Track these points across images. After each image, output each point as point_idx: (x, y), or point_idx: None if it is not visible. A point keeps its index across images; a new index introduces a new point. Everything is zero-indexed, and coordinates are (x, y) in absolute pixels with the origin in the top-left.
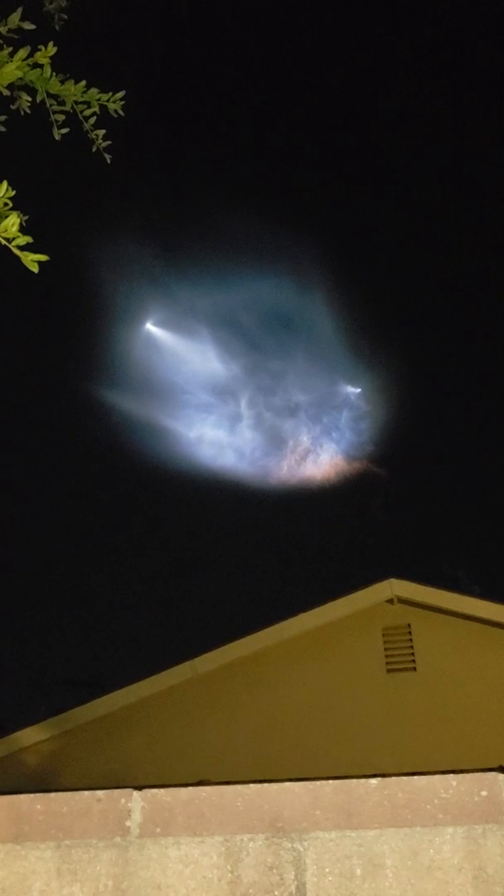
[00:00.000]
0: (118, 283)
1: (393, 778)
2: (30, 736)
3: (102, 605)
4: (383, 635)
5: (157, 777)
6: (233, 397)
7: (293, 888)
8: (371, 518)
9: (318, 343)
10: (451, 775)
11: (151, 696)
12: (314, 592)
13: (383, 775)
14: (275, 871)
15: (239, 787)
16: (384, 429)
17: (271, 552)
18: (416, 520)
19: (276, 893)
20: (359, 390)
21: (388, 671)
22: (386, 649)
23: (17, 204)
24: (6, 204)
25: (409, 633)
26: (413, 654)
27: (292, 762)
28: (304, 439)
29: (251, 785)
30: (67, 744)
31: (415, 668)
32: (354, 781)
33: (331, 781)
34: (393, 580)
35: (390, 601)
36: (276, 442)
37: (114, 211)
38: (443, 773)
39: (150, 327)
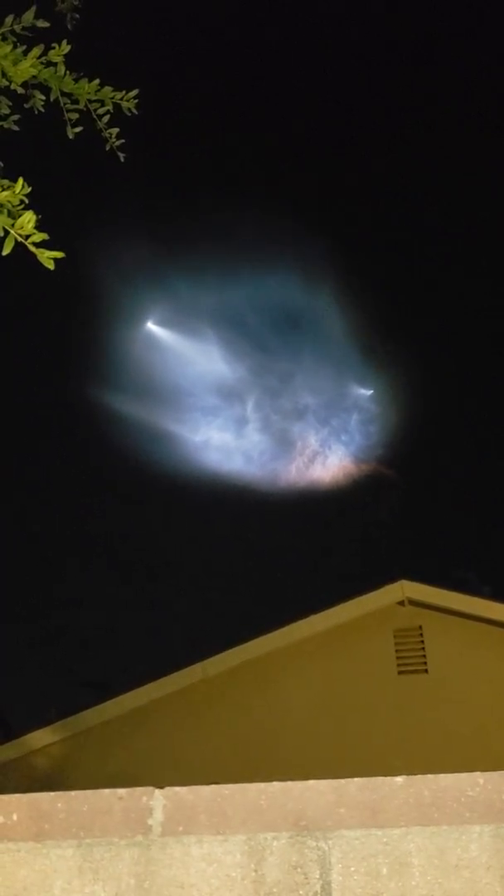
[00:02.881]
0: (117, 279)
1: (419, 776)
2: (40, 738)
3: (112, 607)
4: (395, 637)
5: (168, 779)
6: (239, 400)
7: (318, 887)
8: (381, 520)
9: (328, 343)
10: (478, 773)
11: (162, 699)
12: (325, 595)
13: (408, 774)
14: (299, 869)
15: (262, 785)
16: (394, 430)
17: (281, 555)
18: (427, 522)
19: (300, 892)
20: (370, 392)
21: (400, 673)
22: (397, 651)
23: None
24: (22, 201)
25: (421, 634)
26: (425, 655)
27: (304, 764)
28: (313, 442)
29: (274, 783)
30: (78, 746)
31: (426, 670)
32: (380, 779)
33: (356, 779)
34: (404, 582)
35: (401, 603)
36: (284, 445)
37: (113, 205)
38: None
39: (152, 326)
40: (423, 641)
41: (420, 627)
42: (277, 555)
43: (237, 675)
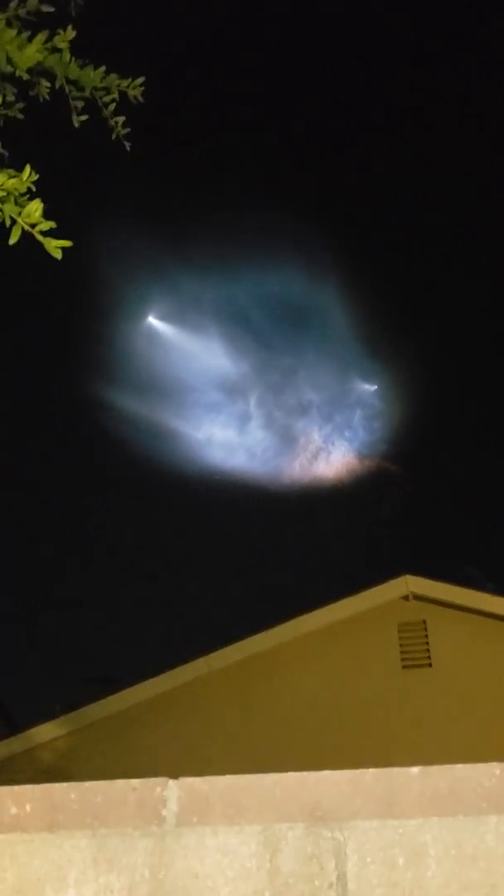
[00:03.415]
0: (118, 272)
1: (435, 767)
2: (46, 732)
3: (116, 603)
4: (399, 631)
5: (173, 773)
6: (242, 396)
7: (333, 878)
8: (386, 515)
9: (331, 339)
10: (495, 764)
11: (167, 693)
12: (329, 589)
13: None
14: (315, 860)
15: (277, 775)
16: (399, 426)
17: (285, 550)
18: (431, 517)
19: (316, 883)
20: (374, 387)
21: (404, 667)
22: (401, 645)
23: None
24: (29, 189)
25: (425, 629)
26: (428, 650)
27: (308, 758)
28: (317, 438)
29: (290, 774)
30: (83, 740)
31: (430, 665)
32: (395, 770)
33: (371, 770)
34: (408, 577)
35: (405, 598)
36: (287, 441)
37: (115, 197)
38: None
39: (153, 321)
40: (426, 636)
41: (424, 622)
42: (282, 550)
43: (241, 669)
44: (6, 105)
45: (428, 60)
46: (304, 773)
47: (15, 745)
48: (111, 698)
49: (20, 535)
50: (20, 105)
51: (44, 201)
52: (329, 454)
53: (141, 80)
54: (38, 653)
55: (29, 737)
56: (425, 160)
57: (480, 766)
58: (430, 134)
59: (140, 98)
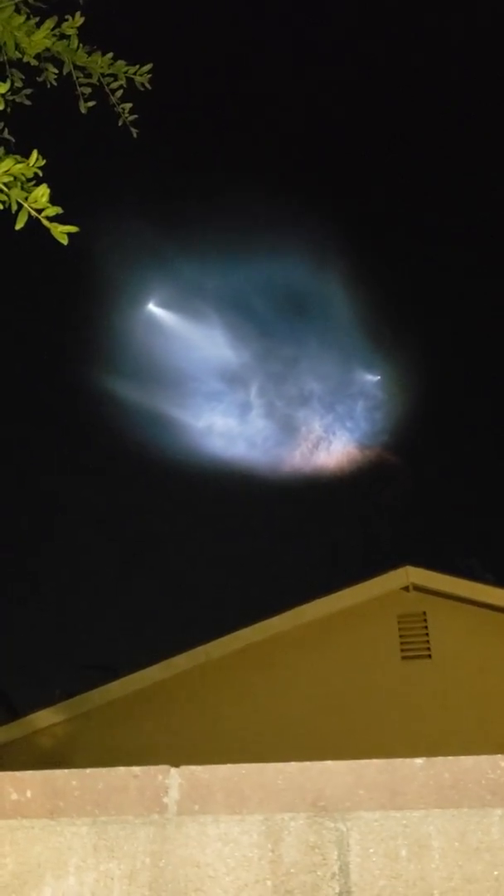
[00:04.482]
0: (118, 258)
1: (439, 758)
2: (45, 718)
3: (116, 590)
4: (398, 622)
5: (170, 760)
6: (243, 385)
7: (336, 868)
8: (386, 506)
9: (334, 328)
10: (500, 756)
11: (165, 681)
12: (329, 579)
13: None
14: (317, 850)
15: (279, 765)
16: (400, 416)
17: (286, 540)
18: (432, 508)
19: (318, 873)
20: (377, 378)
21: (403, 658)
22: (401, 636)
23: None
24: (36, 174)
25: (425, 620)
26: (428, 641)
27: (306, 748)
28: (318, 428)
29: (292, 763)
30: (82, 727)
31: (430, 656)
32: (399, 761)
33: (374, 761)
34: (409, 567)
35: (406, 588)
36: (288, 431)
37: (116, 182)
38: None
39: (153, 308)
40: (426, 627)
41: (424, 613)
42: (282, 540)
43: (240, 658)
44: (14, 91)
45: (436, 51)
46: (307, 763)
47: (14, 730)
48: (111, 685)
49: (21, 524)
50: (28, 91)
51: (49, 187)
52: (330, 444)
53: (148, 66)
54: (38, 640)
55: (28, 723)
56: (431, 148)
57: (485, 758)
58: (438, 123)
59: (147, 85)
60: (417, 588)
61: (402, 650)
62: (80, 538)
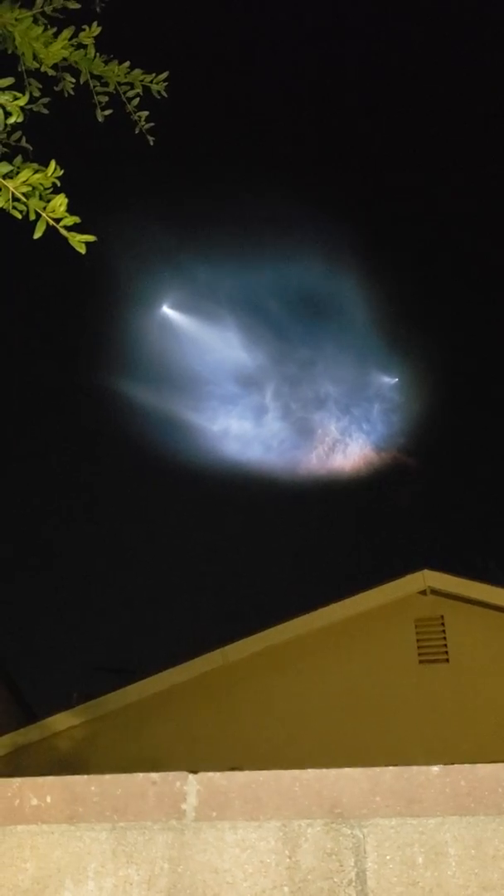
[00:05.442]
0: (132, 261)
1: (455, 766)
2: (62, 721)
3: (134, 593)
4: (416, 626)
5: (187, 764)
6: (258, 388)
7: (353, 875)
8: (404, 509)
9: (350, 330)
10: None
11: (183, 684)
12: (347, 583)
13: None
14: (334, 857)
15: (296, 771)
16: (417, 418)
17: (302, 543)
18: (450, 511)
19: (335, 879)
20: (395, 380)
21: (421, 662)
22: (418, 640)
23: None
24: (54, 184)
25: (443, 624)
26: (446, 645)
27: (323, 752)
28: (335, 431)
29: (309, 770)
30: (99, 730)
31: (447, 660)
32: (415, 769)
33: (391, 768)
34: (426, 571)
35: (423, 592)
36: (304, 434)
37: (130, 185)
38: None
39: (167, 311)
40: (444, 631)
41: (441, 617)
42: (299, 543)
43: (257, 661)
44: (31, 101)
45: (448, 48)
46: (324, 770)
47: (32, 733)
48: (128, 688)
49: (38, 528)
50: (45, 100)
51: (66, 194)
52: (346, 447)
53: (164, 74)
54: (57, 642)
55: (46, 725)
56: (447, 149)
57: (501, 766)
58: (461, 119)
59: (164, 93)
60: (435, 592)
61: (420, 654)
62: (96, 542)
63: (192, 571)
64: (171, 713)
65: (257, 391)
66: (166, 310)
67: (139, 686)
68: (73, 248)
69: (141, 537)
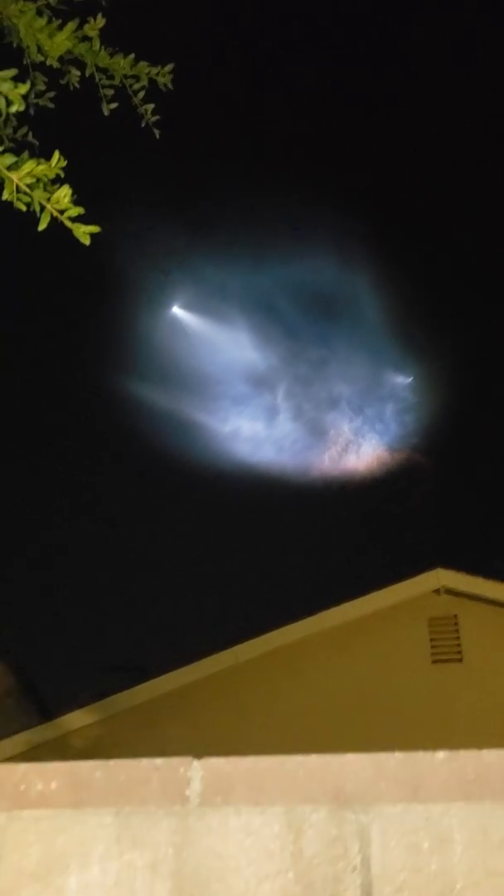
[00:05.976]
0: (141, 261)
1: (461, 751)
2: (76, 720)
3: (147, 593)
4: (429, 626)
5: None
6: (269, 388)
7: (357, 861)
8: (417, 508)
9: (363, 329)
10: None
11: (193, 683)
12: (359, 582)
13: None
14: (338, 843)
15: (301, 757)
16: (430, 417)
17: (314, 543)
18: (464, 510)
19: (339, 865)
20: (408, 380)
21: (434, 662)
22: (432, 640)
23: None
24: (58, 175)
25: (456, 623)
26: (459, 644)
27: (336, 751)
28: (347, 431)
29: (313, 756)
30: (112, 728)
31: (461, 660)
32: (420, 755)
33: (396, 754)
34: (440, 570)
35: (437, 591)
36: (316, 435)
37: (139, 183)
38: None
39: (177, 311)
40: (457, 630)
41: (455, 616)
42: (311, 543)
43: (270, 661)
44: (37, 94)
45: (473, 41)
46: (328, 756)
47: (47, 732)
48: (140, 687)
49: (50, 529)
50: (51, 94)
51: (73, 190)
52: (359, 447)
53: (170, 66)
54: (71, 642)
55: (60, 724)
56: (463, 143)
57: None
58: (478, 116)
59: (169, 85)
60: (448, 591)
61: (433, 654)
62: (107, 542)
63: (204, 571)
64: (184, 712)
65: (269, 391)
66: (177, 310)
67: (151, 685)
68: (82, 248)
69: (153, 538)
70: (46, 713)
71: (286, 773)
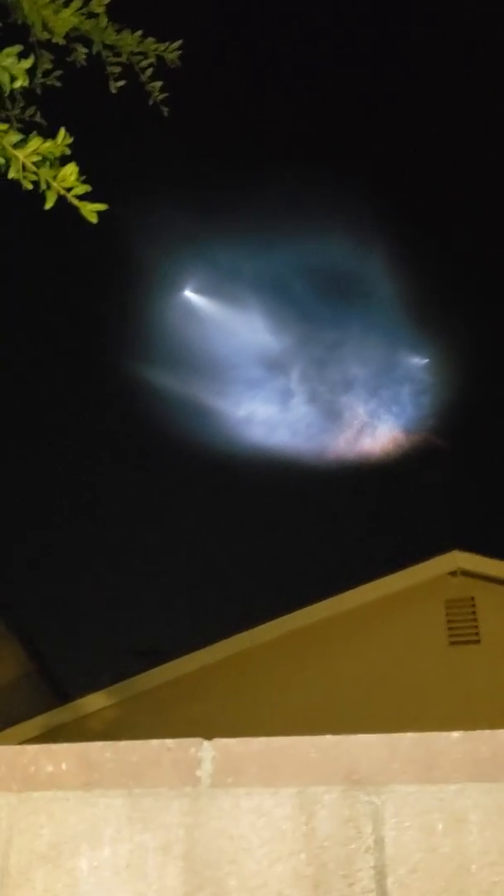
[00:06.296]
0: (152, 243)
1: (476, 732)
2: (94, 702)
3: (163, 577)
4: (446, 608)
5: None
6: (284, 371)
7: (371, 841)
8: (434, 490)
9: (379, 310)
10: None
11: (209, 666)
12: (376, 565)
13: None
14: (351, 824)
15: (313, 738)
16: (447, 399)
17: (331, 525)
18: (481, 491)
19: (353, 847)
20: (425, 361)
21: (451, 644)
22: (448, 622)
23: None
24: (64, 153)
25: (473, 605)
26: (476, 626)
27: (352, 734)
28: (363, 414)
29: (326, 737)
30: (129, 710)
31: (478, 641)
32: (434, 735)
33: (409, 734)
34: (456, 552)
35: (454, 573)
36: (332, 417)
37: (149, 164)
38: None
39: (189, 294)
40: (475, 612)
41: (472, 598)
42: (328, 526)
43: (286, 643)
44: (44, 73)
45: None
46: (341, 737)
47: (64, 714)
48: (156, 670)
49: (67, 513)
50: (58, 73)
51: (81, 171)
52: (375, 430)
53: (178, 43)
54: (88, 625)
55: (77, 706)
56: (478, 122)
57: None
58: (485, 97)
59: (177, 62)
60: (465, 573)
61: (450, 636)
62: (121, 527)
63: (218, 555)
64: (200, 695)
65: (283, 375)
66: (189, 294)
67: (167, 668)
68: (92, 231)
69: (170, 522)
70: (63, 696)
71: (298, 754)
